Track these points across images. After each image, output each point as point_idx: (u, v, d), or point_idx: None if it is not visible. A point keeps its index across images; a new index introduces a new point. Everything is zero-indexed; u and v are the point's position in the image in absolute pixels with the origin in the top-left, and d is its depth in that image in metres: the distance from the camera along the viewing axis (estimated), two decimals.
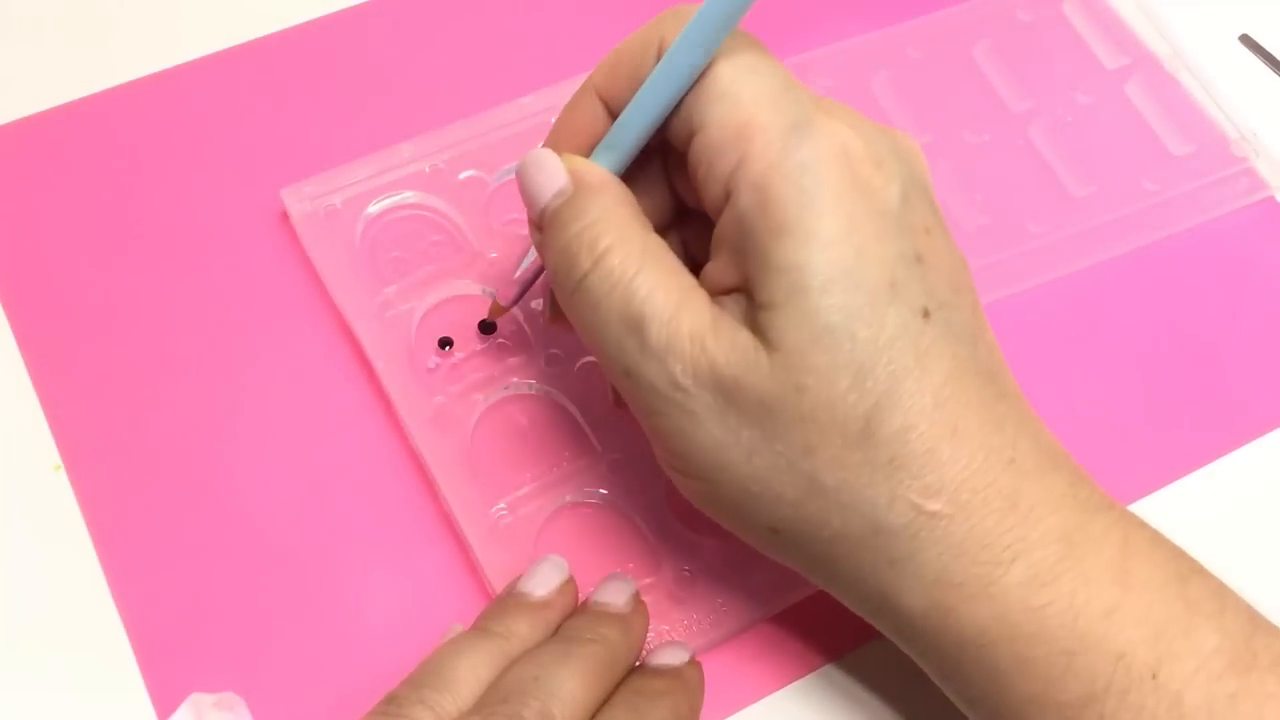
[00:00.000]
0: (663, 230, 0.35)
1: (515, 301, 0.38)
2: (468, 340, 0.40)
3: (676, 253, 0.34)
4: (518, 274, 0.38)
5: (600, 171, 0.32)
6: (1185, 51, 0.48)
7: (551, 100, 0.44)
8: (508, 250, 0.41)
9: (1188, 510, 0.40)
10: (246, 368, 0.40)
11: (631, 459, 0.38)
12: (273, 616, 0.36)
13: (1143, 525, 0.31)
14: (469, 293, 0.41)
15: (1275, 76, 0.49)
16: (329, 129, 0.44)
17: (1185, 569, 0.30)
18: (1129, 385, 0.42)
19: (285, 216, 0.42)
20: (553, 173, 0.32)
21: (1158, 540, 0.31)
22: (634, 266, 0.30)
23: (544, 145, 0.34)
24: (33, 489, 0.37)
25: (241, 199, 0.42)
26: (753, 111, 0.30)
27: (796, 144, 0.29)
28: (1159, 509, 0.40)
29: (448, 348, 0.40)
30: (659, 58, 0.31)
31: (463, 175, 0.43)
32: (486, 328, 0.40)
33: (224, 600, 0.36)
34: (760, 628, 0.37)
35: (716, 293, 0.31)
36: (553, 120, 0.43)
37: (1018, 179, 0.45)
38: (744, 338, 0.29)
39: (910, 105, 0.46)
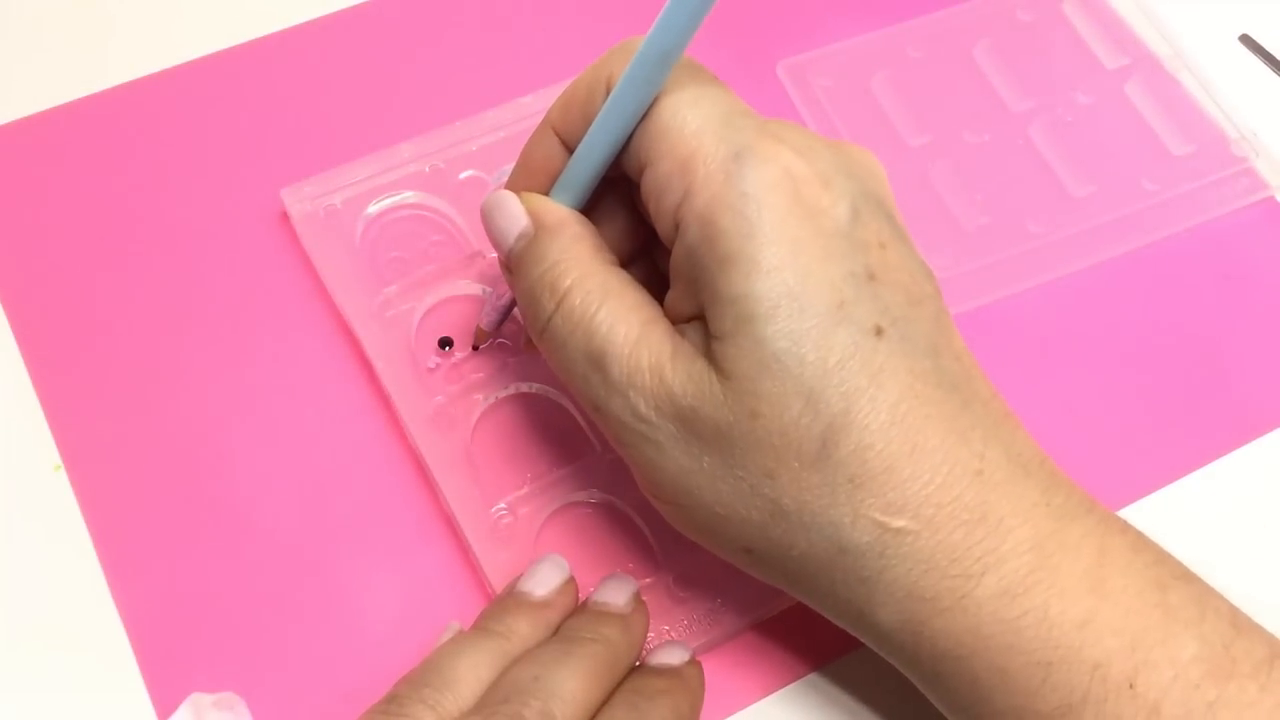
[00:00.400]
0: (634, 255, 0.35)
1: (498, 327, 0.39)
2: (468, 340, 0.40)
3: (649, 277, 0.34)
4: (498, 302, 0.38)
5: (559, 210, 0.33)
6: (1185, 51, 0.48)
7: (552, 100, 0.44)
8: None
9: (1188, 510, 0.40)
10: (246, 368, 0.40)
11: None
12: (273, 616, 0.36)
13: (1124, 530, 0.31)
14: (469, 293, 0.41)
15: (1275, 76, 0.49)
16: (329, 129, 0.44)
17: (1165, 575, 0.30)
18: (1129, 385, 0.42)
19: (285, 216, 0.42)
20: (514, 215, 0.33)
21: (1138, 546, 0.31)
22: (594, 304, 0.31)
23: (506, 184, 0.35)
24: (33, 489, 0.37)
25: (241, 199, 0.42)
26: (695, 144, 0.30)
27: (738, 173, 0.29)
28: (1159, 509, 0.40)
29: (448, 348, 0.40)
30: (608, 94, 0.31)
31: (463, 175, 0.43)
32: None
33: (224, 600, 0.36)
34: (760, 627, 0.37)
35: (678, 321, 0.31)
36: None
37: (1018, 179, 0.45)
38: (699, 367, 0.30)
39: (910, 105, 0.46)
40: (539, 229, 0.32)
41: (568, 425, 0.39)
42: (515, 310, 0.40)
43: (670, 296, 0.32)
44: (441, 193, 0.42)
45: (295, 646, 0.36)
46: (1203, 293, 0.44)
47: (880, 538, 0.29)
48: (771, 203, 0.29)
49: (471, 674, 0.31)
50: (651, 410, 0.30)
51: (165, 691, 0.35)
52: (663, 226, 0.31)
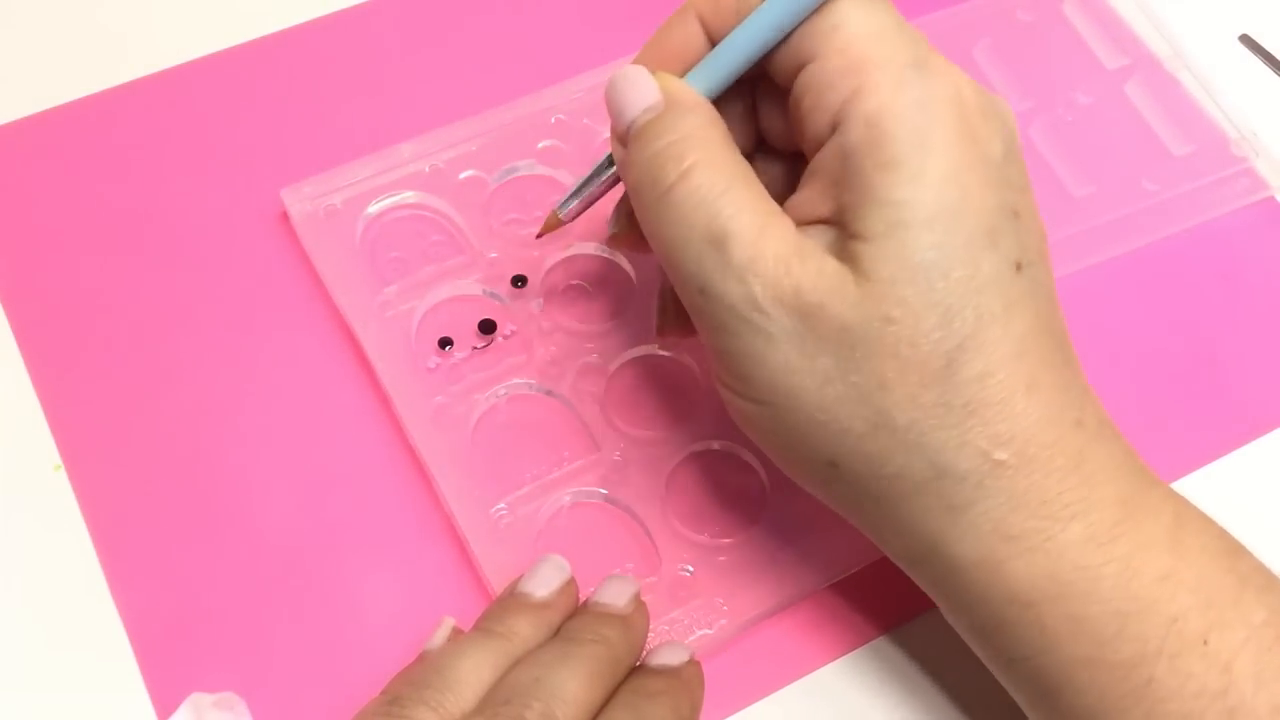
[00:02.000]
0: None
1: (578, 215, 0.37)
2: (468, 340, 0.40)
3: None
4: (583, 186, 0.36)
5: (692, 93, 0.32)
6: (1185, 51, 0.48)
7: (552, 100, 0.44)
8: (508, 250, 0.41)
9: None
10: (246, 368, 0.40)
11: (631, 459, 0.38)
12: (273, 616, 0.36)
13: (1190, 503, 0.32)
14: (469, 293, 0.41)
15: (1275, 76, 0.49)
16: (329, 129, 0.44)
17: (1234, 545, 0.31)
18: (1129, 385, 0.42)
19: (285, 216, 0.42)
20: (644, 88, 0.32)
21: (1206, 518, 0.32)
22: (722, 184, 0.30)
23: (634, 61, 0.33)
24: (33, 489, 0.37)
25: (241, 199, 0.42)
26: (869, 47, 0.30)
27: (913, 82, 0.29)
28: None
29: (448, 348, 0.40)
30: None
31: (463, 175, 0.43)
32: (486, 327, 0.40)
33: (224, 600, 0.36)
34: (759, 627, 0.37)
35: (802, 223, 0.31)
36: (555, 119, 0.43)
37: None
38: (832, 265, 0.29)
39: None
40: (670, 104, 0.31)
41: (568, 425, 0.39)
42: (524, 307, 0.40)
43: (800, 197, 0.31)
44: (441, 193, 0.42)
45: (295, 646, 0.36)
46: (1203, 293, 0.44)
47: (980, 467, 0.29)
48: (944, 117, 0.29)
49: (473, 675, 0.31)
50: (770, 300, 0.29)
51: (165, 691, 0.35)
52: (815, 124, 0.30)
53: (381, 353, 0.39)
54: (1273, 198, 0.46)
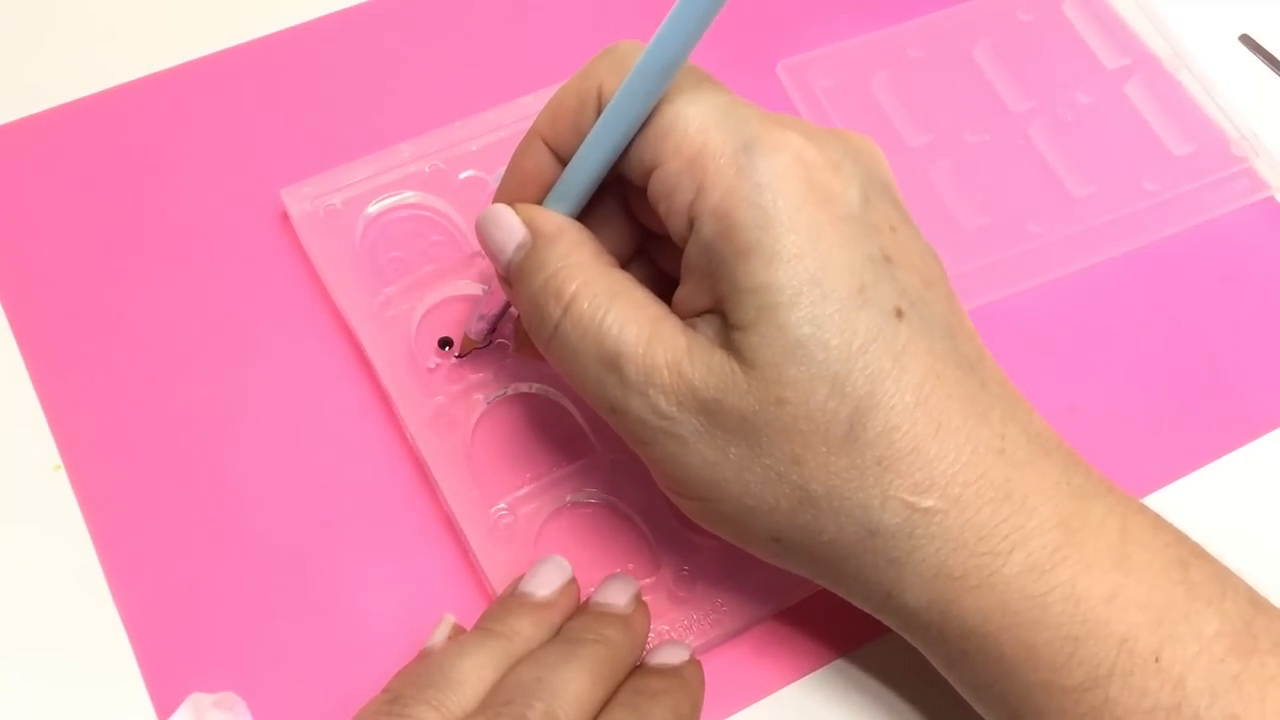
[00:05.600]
0: (630, 257, 0.35)
1: (486, 337, 0.39)
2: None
3: (648, 276, 0.35)
4: (487, 311, 0.38)
5: (555, 218, 0.33)
6: (1185, 51, 0.48)
7: None
8: None
9: (1187, 510, 0.40)
10: (246, 367, 0.40)
11: (631, 459, 0.38)
12: (273, 616, 0.36)
13: (1141, 509, 0.31)
14: (469, 293, 0.41)
15: (1275, 76, 0.49)
16: (329, 129, 0.44)
17: (1186, 554, 0.31)
18: (1129, 385, 0.42)
19: (285, 216, 0.42)
20: (510, 228, 0.33)
21: (1157, 525, 0.31)
22: (602, 307, 0.31)
23: (496, 197, 0.34)
24: (33, 489, 0.37)
25: (241, 199, 0.42)
26: (701, 140, 0.30)
27: (749, 164, 0.29)
28: (1158, 509, 0.40)
29: (448, 348, 0.40)
30: (599, 104, 0.31)
31: (463, 175, 0.43)
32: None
33: (224, 600, 0.36)
34: (760, 627, 0.37)
35: (689, 315, 0.31)
36: None
37: (1018, 179, 0.45)
38: (719, 359, 0.30)
39: (910, 105, 0.46)
40: (537, 237, 0.32)
41: (568, 425, 0.39)
42: (505, 316, 0.40)
43: (681, 292, 0.32)
44: (441, 193, 0.42)
45: (295, 646, 0.36)
46: (1203, 293, 0.44)
47: (909, 518, 0.30)
48: (786, 190, 0.29)
49: (475, 674, 0.31)
50: (673, 406, 0.30)
51: (165, 691, 0.35)
52: (675, 225, 0.31)
53: (381, 353, 0.39)
54: (1273, 198, 0.46)
